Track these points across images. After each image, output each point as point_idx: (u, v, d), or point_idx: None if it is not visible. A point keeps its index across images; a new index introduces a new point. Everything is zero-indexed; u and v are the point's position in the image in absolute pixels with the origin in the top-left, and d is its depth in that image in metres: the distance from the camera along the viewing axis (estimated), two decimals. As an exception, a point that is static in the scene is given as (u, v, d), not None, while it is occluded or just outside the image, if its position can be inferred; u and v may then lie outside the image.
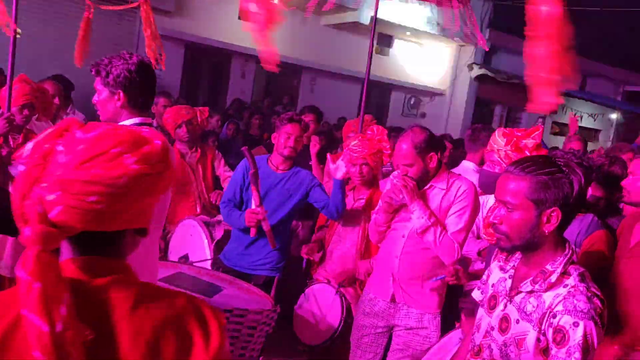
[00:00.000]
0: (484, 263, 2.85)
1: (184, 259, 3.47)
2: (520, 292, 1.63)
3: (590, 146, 9.94)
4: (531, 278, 1.61)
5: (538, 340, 1.55)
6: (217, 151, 4.28)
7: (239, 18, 10.12)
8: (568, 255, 1.59)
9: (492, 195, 1.97)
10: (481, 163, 3.63)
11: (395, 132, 4.55)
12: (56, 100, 4.12)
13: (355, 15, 10.38)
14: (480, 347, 1.76)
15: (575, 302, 1.49)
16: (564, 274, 1.57)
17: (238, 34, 9.98)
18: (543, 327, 1.54)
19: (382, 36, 11.93)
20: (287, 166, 3.25)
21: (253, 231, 3.10)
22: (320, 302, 3.24)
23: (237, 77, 11.16)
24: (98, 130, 0.96)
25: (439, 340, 2.62)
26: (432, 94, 13.60)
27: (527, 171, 1.56)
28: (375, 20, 4.01)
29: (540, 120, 10.16)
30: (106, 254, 0.99)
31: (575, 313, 1.48)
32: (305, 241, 3.82)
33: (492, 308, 1.74)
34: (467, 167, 3.76)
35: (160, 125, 4.25)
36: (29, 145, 0.95)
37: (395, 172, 2.66)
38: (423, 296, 2.68)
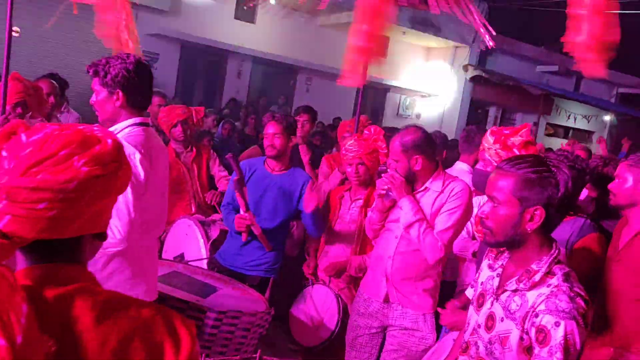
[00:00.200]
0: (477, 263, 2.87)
1: (180, 258, 3.47)
2: (506, 290, 1.65)
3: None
4: (517, 277, 1.62)
5: (521, 339, 1.56)
6: (212, 151, 4.28)
7: (235, 18, 10.11)
8: (554, 255, 1.60)
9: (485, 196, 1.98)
10: (475, 164, 3.64)
11: (390, 133, 4.56)
12: (51, 99, 4.11)
13: (352, 16, 10.39)
14: (467, 344, 1.78)
15: (557, 301, 1.49)
16: (549, 273, 1.58)
17: (234, 34, 9.98)
18: (526, 326, 1.55)
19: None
20: (282, 167, 3.25)
21: (244, 236, 3.13)
22: (317, 303, 3.24)
23: (233, 76, 11.16)
24: (44, 132, 0.90)
25: (435, 341, 2.63)
26: (427, 94, 13.64)
27: (515, 168, 1.58)
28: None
29: (535, 122, 10.21)
30: (65, 261, 0.94)
31: (557, 313, 1.48)
32: (300, 241, 3.82)
33: (480, 306, 1.76)
34: (461, 168, 3.78)
35: (155, 124, 4.25)
36: None
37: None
38: (417, 296, 2.68)
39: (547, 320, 1.49)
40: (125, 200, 1.96)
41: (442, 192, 2.61)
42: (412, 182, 2.65)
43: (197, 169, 4.07)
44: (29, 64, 7.66)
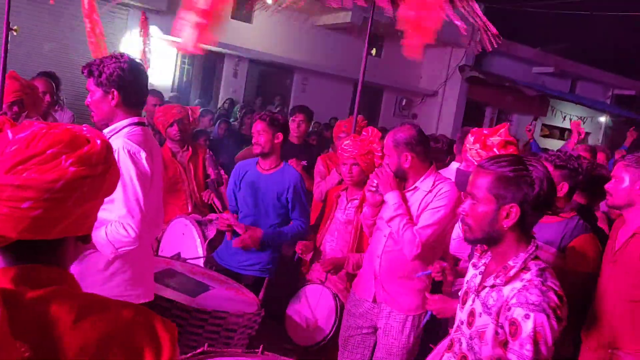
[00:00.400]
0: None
1: (176, 257, 3.47)
2: (485, 286, 1.67)
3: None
4: (495, 273, 1.65)
5: (496, 333, 1.58)
6: (208, 150, 4.28)
7: (232, 17, 10.10)
8: (530, 252, 1.62)
9: None
10: (471, 164, 3.65)
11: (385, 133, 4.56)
12: (47, 98, 4.10)
13: (348, 16, 10.40)
14: (452, 341, 1.81)
15: (527, 294, 1.52)
16: (524, 269, 1.60)
17: (230, 34, 9.97)
18: (500, 320, 1.57)
19: (374, 37, 11.96)
20: (271, 165, 3.24)
21: (228, 235, 3.18)
22: (314, 303, 3.24)
23: (230, 76, 11.15)
24: (31, 130, 0.87)
25: (415, 344, 2.65)
26: (423, 95, 13.66)
27: (495, 166, 1.61)
28: (371, 21, 4.03)
29: (533, 122, 10.23)
30: (45, 263, 0.90)
31: (526, 305, 1.50)
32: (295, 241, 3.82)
33: (464, 303, 1.79)
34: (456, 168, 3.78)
35: (151, 124, 4.24)
36: None
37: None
38: (404, 297, 2.66)
39: (517, 312, 1.51)
40: (135, 196, 1.92)
41: (430, 191, 2.61)
42: (401, 179, 2.66)
43: (194, 169, 4.06)
44: (25, 63, 7.64)
